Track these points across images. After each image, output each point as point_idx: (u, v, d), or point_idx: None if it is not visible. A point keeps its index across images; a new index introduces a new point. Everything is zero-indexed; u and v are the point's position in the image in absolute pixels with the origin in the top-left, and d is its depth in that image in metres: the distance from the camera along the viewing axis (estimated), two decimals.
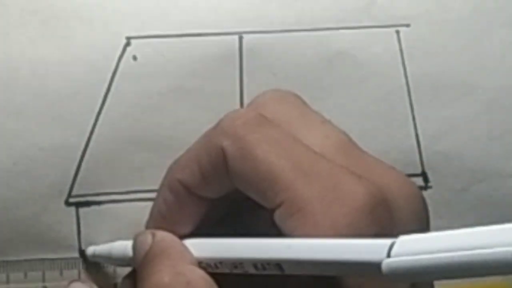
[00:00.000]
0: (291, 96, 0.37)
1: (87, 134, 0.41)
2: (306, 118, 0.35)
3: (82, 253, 0.41)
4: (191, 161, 0.35)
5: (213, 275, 0.32)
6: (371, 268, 0.26)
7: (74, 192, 0.41)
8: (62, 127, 0.41)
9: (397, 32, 0.41)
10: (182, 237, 0.34)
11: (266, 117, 0.34)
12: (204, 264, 0.32)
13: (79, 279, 0.41)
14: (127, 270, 0.38)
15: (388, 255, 0.25)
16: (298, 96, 0.37)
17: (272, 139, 0.33)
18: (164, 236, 0.35)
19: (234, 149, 0.33)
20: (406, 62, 0.41)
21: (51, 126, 0.41)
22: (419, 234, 0.26)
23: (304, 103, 0.36)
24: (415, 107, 0.41)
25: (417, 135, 0.42)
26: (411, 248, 0.25)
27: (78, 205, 0.41)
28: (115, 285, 0.41)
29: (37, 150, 0.41)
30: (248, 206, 0.33)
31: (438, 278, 0.26)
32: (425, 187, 0.42)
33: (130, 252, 0.36)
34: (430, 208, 0.41)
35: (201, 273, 0.32)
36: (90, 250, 0.41)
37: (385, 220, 0.30)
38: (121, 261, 0.38)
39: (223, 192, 0.34)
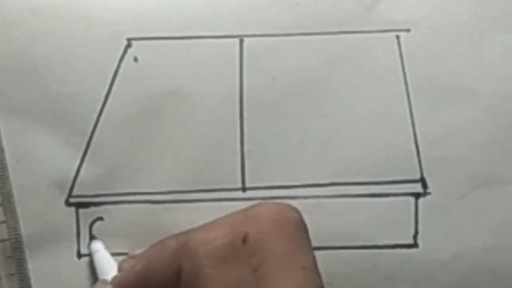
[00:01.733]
0: (291, 221, 0.38)
1: (89, 134, 0.41)
2: (289, 259, 0.36)
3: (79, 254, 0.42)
4: (157, 264, 0.38)
5: None
6: None
7: (74, 193, 0.41)
8: (64, 127, 0.41)
9: (397, 36, 0.41)
10: None
11: (234, 248, 0.35)
12: None
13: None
14: None
15: None
16: (297, 222, 0.38)
17: (227, 282, 0.34)
18: None
19: (189, 274, 0.35)
20: (406, 67, 0.41)
21: (53, 125, 0.41)
22: None
23: (299, 233, 0.37)
24: (414, 111, 0.41)
25: (416, 140, 0.41)
26: None
27: (78, 205, 0.41)
28: None
29: (40, 149, 0.41)
30: None
31: None
32: (424, 193, 0.42)
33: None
34: (428, 215, 0.42)
35: None
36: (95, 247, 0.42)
37: None
38: None
39: None
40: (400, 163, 0.42)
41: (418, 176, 0.42)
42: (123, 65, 0.41)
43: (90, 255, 0.41)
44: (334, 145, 0.41)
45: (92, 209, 0.42)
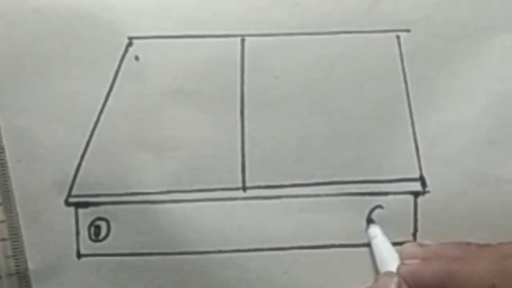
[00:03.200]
0: None
1: (89, 134, 0.41)
2: None
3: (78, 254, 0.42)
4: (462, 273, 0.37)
5: None
6: None
7: (74, 192, 0.41)
8: (65, 126, 0.41)
9: (398, 37, 0.42)
10: None
11: None
12: None
13: None
14: None
15: None
16: None
17: None
18: None
19: None
20: (406, 67, 0.42)
21: (54, 124, 0.41)
22: None
23: None
24: (414, 111, 0.42)
25: (415, 139, 0.42)
26: None
27: (77, 205, 0.41)
28: None
29: (40, 148, 0.41)
30: None
31: None
32: (423, 192, 0.42)
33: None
34: (427, 213, 0.42)
35: None
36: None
37: None
38: None
39: None
40: (399, 162, 0.42)
41: (417, 175, 0.42)
42: (124, 64, 0.41)
43: (368, 241, 0.41)
44: (334, 144, 0.42)
45: (91, 209, 0.41)
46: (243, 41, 0.41)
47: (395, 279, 0.38)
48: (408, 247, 0.40)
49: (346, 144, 0.42)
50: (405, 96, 0.42)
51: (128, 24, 0.41)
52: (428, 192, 0.42)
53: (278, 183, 0.42)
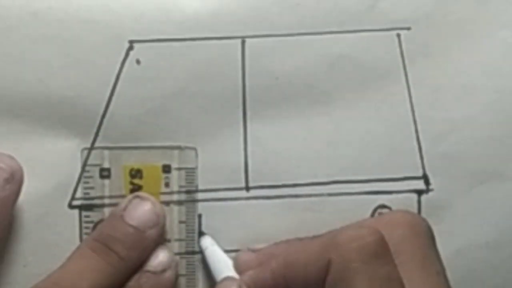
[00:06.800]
0: (424, 228, 0.39)
1: (92, 137, 0.41)
2: (425, 263, 0.37)
3: None
4: (299, 261, 0.37)
5: None
6: None
7: (77, 195, 0.41)
8: (67, 130, 0.41)
9: (398, 35, 0.41)
10: None
11: (384, 246, 0.35)
12: None
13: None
14: None
15: None
16: (428, 229, 0.39)
17: (377, 278, 0.34)
18: None
19: (338, 269, 0.35)
20: (407, 65, 0.41)
21: (56, 128, 0.41)
22: None
23: (430, 240, 0.39)
24: (416, 109, 0.42)
25: (418, 138, 0.42)
26: None
27: (81, 208, 0.41)
28: None
29: (43, 151, 0.41)
30: None
31: None
32: (426, 190, 0.42)
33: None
34: (431, 211, 0.42)
35: None
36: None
37: None
38: None
39: None
40: (402, 160, 0.42)
41: (420, 173, 0.42)
42: (125, 67, 0.41)
43: (201, 252, 0.42)
44: (337, 143, 0.42)
45: (95, 211, 0.42)
46: (243, 42, 0.41)
47: (236, 282, 0.39)
48: (242, 256, 0.41)
49: (348, 144, 0.42)
50: (406, 95, 0.42)
51: (128, 27, 0.41)
52: (431, 190, 0.42)
53: (281, 183, 0.42)
